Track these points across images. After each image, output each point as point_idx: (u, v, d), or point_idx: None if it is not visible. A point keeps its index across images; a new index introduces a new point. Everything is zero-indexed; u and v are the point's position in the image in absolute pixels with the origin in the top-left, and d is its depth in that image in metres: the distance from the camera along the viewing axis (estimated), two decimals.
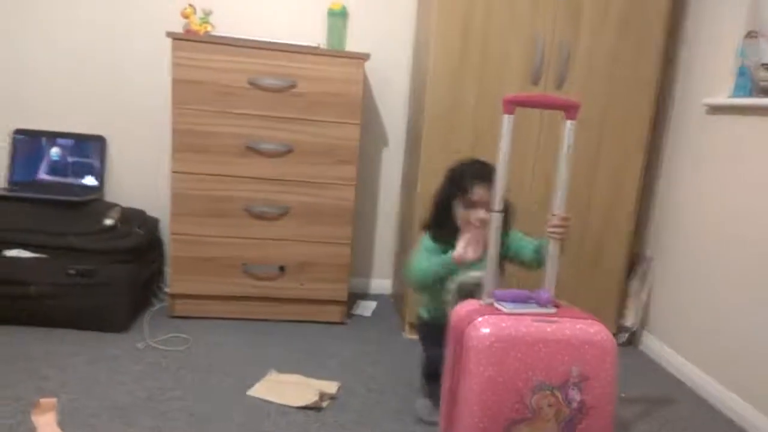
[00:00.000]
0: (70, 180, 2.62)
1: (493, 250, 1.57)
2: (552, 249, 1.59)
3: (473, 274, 1.72)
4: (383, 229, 2.95)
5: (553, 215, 1.59)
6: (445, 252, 1.75)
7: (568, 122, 1.55)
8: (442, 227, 1.82)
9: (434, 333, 1.71)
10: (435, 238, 1.83)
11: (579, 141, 1.59)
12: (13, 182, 2.58)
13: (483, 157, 1.84)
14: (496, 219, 1.56)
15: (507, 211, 1.78)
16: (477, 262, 1.69)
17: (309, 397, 1.84)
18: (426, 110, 2.31)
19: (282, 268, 2.42)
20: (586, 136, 2.36)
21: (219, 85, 2.26)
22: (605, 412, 1.42)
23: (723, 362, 2.13)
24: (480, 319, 1.41)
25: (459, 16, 2.24)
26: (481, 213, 1.73)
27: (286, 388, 1.93)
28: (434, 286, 1.78)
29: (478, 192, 1.74)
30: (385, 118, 2.85)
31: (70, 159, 2.62)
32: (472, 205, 1.75)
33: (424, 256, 1.80)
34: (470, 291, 1.71)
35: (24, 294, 2.17)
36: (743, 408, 2.00)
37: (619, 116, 2.40)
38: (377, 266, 2.99)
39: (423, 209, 2.33)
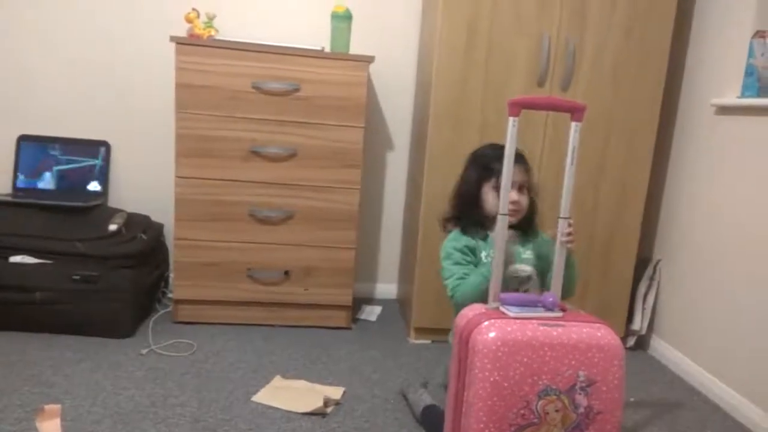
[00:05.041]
0: (74, 186, 2.62)
1: (498, 257, 1.53)
2: (559, 253, 1.57)
3: (520, 267, 1.68)
4: (388, 233, 2.94)
5: (562, 218, 1.56)
6: (484, 239, 1.71)
7: (574, 124, 1.53)
8: (471, 217, 1.77)
9: None
10: (465, 231, 1.77)
11: (585, 143, 1.58)
12: (17, 188, 2.58)
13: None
14: (501, 222, 1.53)
15: (533, 212, 1.79)
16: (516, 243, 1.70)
17: (314, 403, 1.83)
18: (431, 112, 2.30)
19: (287, 273, 2.41)
20: (592, 138, 2.34)
21: (223, 89, 2.26)
22: (613, 417, 1.40)
23: (733, 365, 2.10)
24: (486, 323, 1.39)
25: (464, 17, 2.23)
26: (514, 195, 1.66)
27: (291, 394, 1.91)
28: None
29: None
30: (390, 120, 2.84)
31: (74, 164, 2.62)
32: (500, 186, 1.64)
33: (457, 269, 1.72)
34: (517, 287, 1.69)
35: (28, 300, 2.17)
36: (755, 413, 1.97)
37: (625, 117, 2.38)
38: (382, 270, 2.98)
39: (429, 211, 2.35)
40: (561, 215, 1.57)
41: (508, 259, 1.68)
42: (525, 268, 1.72)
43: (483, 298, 1.56)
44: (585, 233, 2.39)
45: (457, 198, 1.82)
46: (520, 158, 1.68)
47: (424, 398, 1.83)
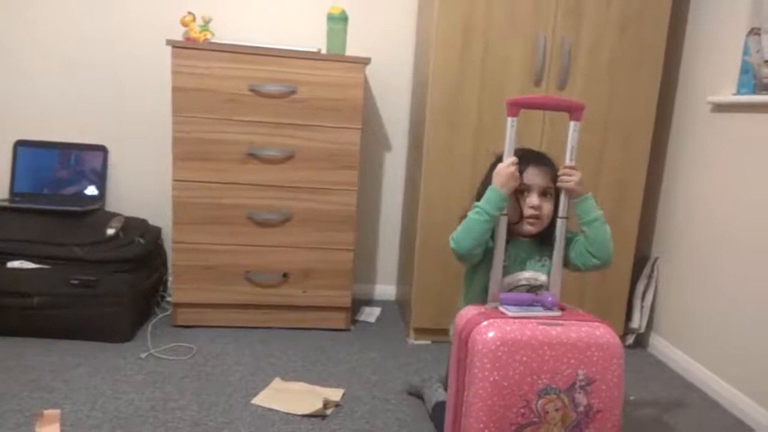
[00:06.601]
0: (71, 190, 2.62)
1: (498, 257, 1.53)
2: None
3: (532, 275, 1.61)
4: (387, 234, 2.94)
5: (560, 218, 1.56)
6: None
7: (572, 123, 1.53)
8: None
9: None
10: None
11: (582, 141, 1.57)
12: (15, 193, 2.58)
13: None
14: (501, 223, 1.53)
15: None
16: (531, 241, 1.63)
17: (313, 405, 1.82)
18: (428, 113, 2.30)
19: (285, 276, 2.41)
20: (589, 137, 2.33)
21: (219, 92, 2.26)
22: (613, 416, 1.40)
23: (732, 363, 2.10)
24: (485, 323, 1.39)
25: (460, 18, 2.24)
26: (535, 199, 1.59)
27: (291, 396, 1.91)
28: (481, 245, 1.55)
29: (532, 173, 1.59)
30: (387, 121, 2.84)
31: (71, 169, 2.62)
32: (523, 189, 1.59)
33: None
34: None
35: (27, 305, 2.16)
36: (754, 409, 1.97)
37: (622, 116, 2.38)
38: (381, 272, 2.98)
39: (427, 212, 2.35)
40: (560, 215, 1.57)
41: (518, 266, 1.62)
42: (539, 277, 1.62)
43: (476, 236, 1.53)
44: None
45: (477, 200, 1.63)
46: (544, 161, 1.62)
47: (438, 394, 1.82)
